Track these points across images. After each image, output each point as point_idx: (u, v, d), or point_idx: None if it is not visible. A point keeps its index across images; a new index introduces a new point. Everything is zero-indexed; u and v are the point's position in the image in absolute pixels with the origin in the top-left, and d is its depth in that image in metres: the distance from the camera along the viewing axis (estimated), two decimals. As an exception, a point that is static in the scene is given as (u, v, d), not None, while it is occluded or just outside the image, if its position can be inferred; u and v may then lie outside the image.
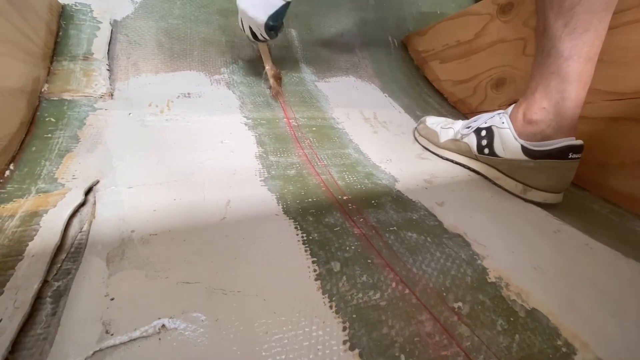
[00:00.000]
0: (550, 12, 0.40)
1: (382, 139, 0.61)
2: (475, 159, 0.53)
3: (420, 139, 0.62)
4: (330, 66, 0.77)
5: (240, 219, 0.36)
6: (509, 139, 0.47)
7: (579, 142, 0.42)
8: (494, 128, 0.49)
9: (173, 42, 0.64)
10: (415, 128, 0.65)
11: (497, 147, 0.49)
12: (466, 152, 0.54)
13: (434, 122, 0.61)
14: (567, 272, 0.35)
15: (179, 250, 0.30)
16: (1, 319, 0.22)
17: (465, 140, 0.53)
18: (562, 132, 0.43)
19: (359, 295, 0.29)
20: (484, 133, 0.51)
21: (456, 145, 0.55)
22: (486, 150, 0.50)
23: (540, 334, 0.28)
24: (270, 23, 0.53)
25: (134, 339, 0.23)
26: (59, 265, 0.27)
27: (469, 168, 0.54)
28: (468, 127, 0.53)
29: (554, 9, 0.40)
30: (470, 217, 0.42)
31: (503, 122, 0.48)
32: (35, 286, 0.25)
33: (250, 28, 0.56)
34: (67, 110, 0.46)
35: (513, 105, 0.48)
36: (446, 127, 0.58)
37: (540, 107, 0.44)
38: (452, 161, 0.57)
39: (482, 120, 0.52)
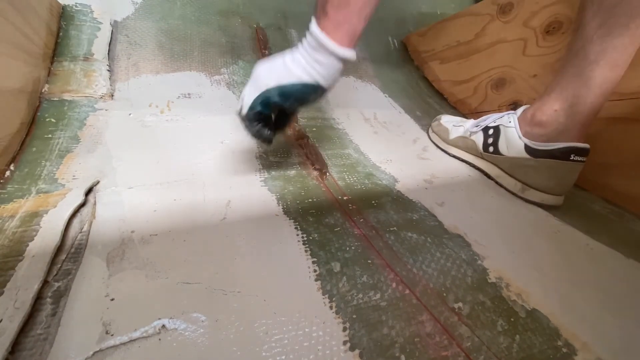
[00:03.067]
0: (589, 9, 0.38)
1: (382, 140, 0.61)
2: (480, 157, 0.54)
3: (432, 135, 0.64)
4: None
5: (241, 219, 0.36)
6: (513, 137, 0.47)
7: (584, 145, 0.42)
8: (501, 127, 0.50)
9: (173, 42, 0.65)
10: (430, 125, 0.66)
11: (502, 145, 0.49)
12: (472, 150, 0.55)
13: (448, 120, 0.62)
14: (568, 272, 0.35)
15: (179, 251, 0.30)
16: (1, 320, 0.22)
17: (473, 137, 0.54)
18: (568, 137, 0.43)
19: (359, 296, 0.29)
20: (491, 132, 0.51)
21: (464, 142, 0.56)
22: (491, 149, 0.51)
23: (541, 335, 0.28)
24: (271, 98, 0.34)
25: (134, 340, 0.23)
26: (59, 265, 0.27)
27: (473, 165, 0.55)
28: (477, 126, 0.54)
29: (594, 5, 0.38)
30: (470, 218, 0.42)
31: (510, 122, 0.48)
32: (36, 286, 0.25)
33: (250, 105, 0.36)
34: (67, 111, 0.46)
35: (525, 107, 0.48)
36: (457, 125, 0.59)
37: (552, 109, 0.43)
38: (458, 158, 0.58)
39: (492, 119, 0.52)
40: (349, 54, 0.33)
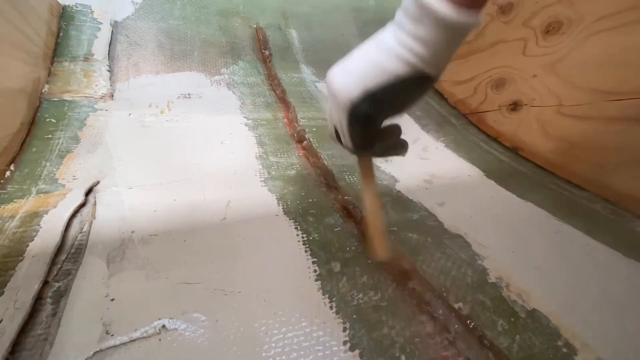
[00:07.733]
0: None
1: (382, 139, 0.60)
2: None
3: None
4: (330, 66, 0.77)
5: (241, 219, 0.36)
6: None
7: None
8: None
9: (173, 42, 0.65)
10: None
11: None
12: None
13: None
14: (568, 272, 0.35)
15: (179, 251, 0.30)
16: (1, 320, 0.22)
17: None
18: None
19: (360, 296, 0.29)
20: None
21: None
22: None
23: (541, 335, 0.28)
24: (365, 108, 0.23)
25: (134, 340, 0.23)
26: (59, 265, 0.27)
27: None
28: None
29: None
30: (470, 218, 0.42)
31: None
32: (36, 287, 0.25)
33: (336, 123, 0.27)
34: (67, 111, 0.46)
35: None
36: None
37: None
38: None
39: None
40: (470, 18, 0.19)
